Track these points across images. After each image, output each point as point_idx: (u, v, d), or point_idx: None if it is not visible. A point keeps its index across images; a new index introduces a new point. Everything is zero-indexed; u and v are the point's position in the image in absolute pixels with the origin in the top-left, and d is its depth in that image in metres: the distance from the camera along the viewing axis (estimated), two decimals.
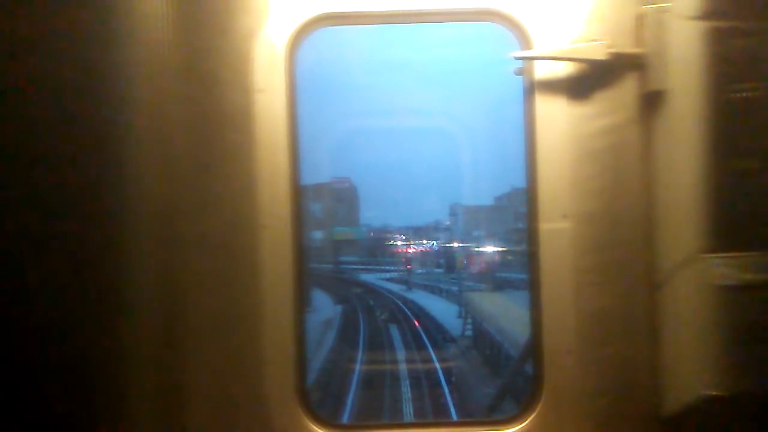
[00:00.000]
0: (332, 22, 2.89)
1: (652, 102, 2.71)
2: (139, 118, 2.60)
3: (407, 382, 19.58)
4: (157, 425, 2.65)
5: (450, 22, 3.05)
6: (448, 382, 19.07)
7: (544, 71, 2.77)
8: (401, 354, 24.22)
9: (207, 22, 2.80)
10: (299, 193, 2.85)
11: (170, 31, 2.74)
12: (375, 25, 2.98)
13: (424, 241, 59.45)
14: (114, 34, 2.47)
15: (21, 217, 2.06)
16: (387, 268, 57.39)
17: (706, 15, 2.52)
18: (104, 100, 2.39)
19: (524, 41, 2.79)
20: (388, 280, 52.41)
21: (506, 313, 20.96)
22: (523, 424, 2.78)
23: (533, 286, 2.82)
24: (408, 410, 16.77)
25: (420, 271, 52.67)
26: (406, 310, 35.50)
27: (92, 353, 2.28)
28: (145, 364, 2.59)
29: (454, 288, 37.99)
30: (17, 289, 2.05)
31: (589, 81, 2.75)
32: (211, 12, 2.81)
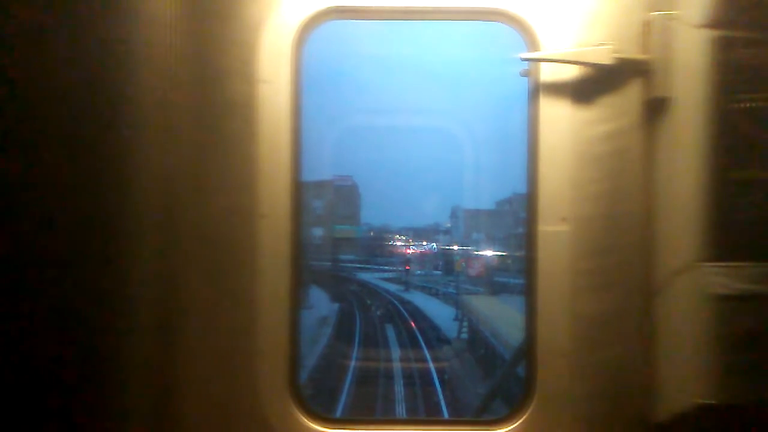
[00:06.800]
0: (340, 16, 2.89)
1: (655, 108, 2.71)
2: (142, 105, 2.59)
3: (401, 381, 19.60)
4: (150, 418, 2.65)
5: (458, 21, 3.05)
6: (442, 382, 19.10)
7: (549, 74, 2.78)
8: (396, 353, 24.22)
9: (214, 9, 2.80)
10: (299, 185, 2.85)
11: (177, 16, 2.74)
12: (383, 21, 2.99)
13: (424, 243, 59.37)
14: (119, 18, 2.46)
15: (19, 209, 2.05)
16: (385, 267, 57.33)
17: (713, 24, 2.52)
18: (106, 86, 2.39)
19: (531, 43, 2.79)
20: (386, 279, 52.32)
21: (502, 317, 20.93)
22: (514, 426, 2.78)
23: (529, 288, 2.81)
24: (401, 408, 16.80)
25: (418, 272, 52.58)
26: (402, 310, 35.46)
27: (86, 345, 2.27)
28: (139, 355, 2.58)
29: (452, 290, 37.99)
30: (14, 285, 2.03)
31: (593, 85, 2.75)
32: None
